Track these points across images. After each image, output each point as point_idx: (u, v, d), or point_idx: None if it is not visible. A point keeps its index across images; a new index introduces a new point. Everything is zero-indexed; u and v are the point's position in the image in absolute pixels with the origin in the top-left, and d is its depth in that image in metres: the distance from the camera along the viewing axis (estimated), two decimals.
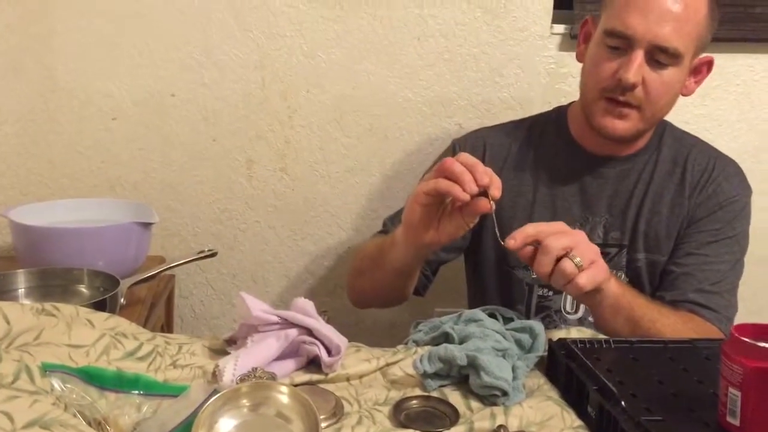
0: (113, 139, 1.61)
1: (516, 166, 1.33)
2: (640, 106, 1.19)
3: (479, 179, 0.99)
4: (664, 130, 1.33)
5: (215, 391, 0.81)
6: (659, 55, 1.16)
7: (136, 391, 0.83)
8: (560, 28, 1.62)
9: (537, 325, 1.01)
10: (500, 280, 1.33)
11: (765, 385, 0.75)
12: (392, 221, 1.34)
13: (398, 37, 1.60)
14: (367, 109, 1.64)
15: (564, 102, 1.58)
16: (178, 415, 0.79)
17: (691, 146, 1.33)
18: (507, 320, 1.03)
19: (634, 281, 1.26)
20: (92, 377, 0.82)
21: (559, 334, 1.03)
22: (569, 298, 1.28)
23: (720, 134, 1.67)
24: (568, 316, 1.29)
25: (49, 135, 1.60)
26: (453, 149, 1.37)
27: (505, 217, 1.27)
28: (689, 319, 1.18)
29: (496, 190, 1.00)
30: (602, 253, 1.17)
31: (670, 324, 1.12)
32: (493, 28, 1.61)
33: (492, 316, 1.04)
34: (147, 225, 1.39)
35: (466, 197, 0.99)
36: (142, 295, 1.33)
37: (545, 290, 1.29)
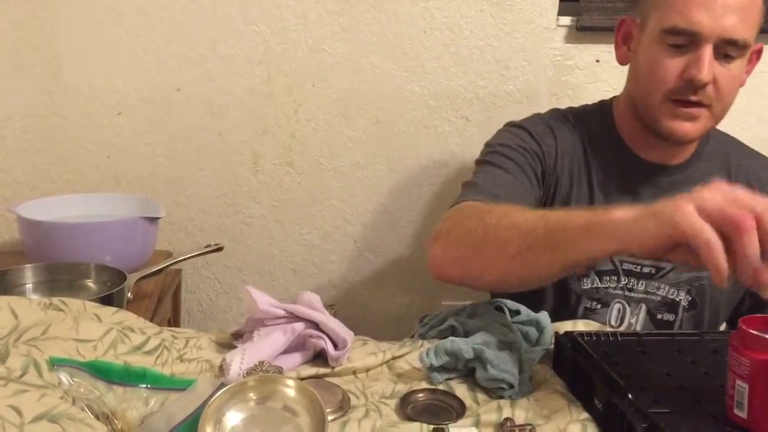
0: (119, 134, 1.62)
1: (573, 161, 1.23)
2: (711, 105, 1.12)
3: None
4: (708, 132, 1.23)
5: (222, 385, 0.81)
6: (728, 49, 1.09)
7: (144, 385, 0.84)
8: (566, 20, 1.61)
9: (544, 318, 1.01)
10: (554, 287, 1.24)
11: None
12: (494, 189, 1.14)
13: (404, 30, 1.60)
14: (373, 103, 1.63)
15: (570, 94, 1.58)
16: (185, 409, 0.79)
17: (734, 148, 1.28)
18: (513, 313, 1.03)
19: (698, 300, 1.21)
20: (100, 371, 0.83)
21: (565, 326, 1.03)
22: (614, 312, 1.21)
23: (728, 127, 1.64)
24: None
25: (55, 130, 1.60)
26: (527, 131, 1.24)
27: None
28: None
29: None
30: (656, 267, 1.20)
31: None
32: (498, 20, 1.60)
33: (498, 309, 1.04)
34: (153, 219, 1.39)
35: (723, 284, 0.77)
36: (149, 290, 1.34)
37: (593, 303, 1.22)
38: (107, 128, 1.61)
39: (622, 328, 1.21)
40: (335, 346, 0.93)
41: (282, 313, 0.94)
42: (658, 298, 1.21)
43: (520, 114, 1.50)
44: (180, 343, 0.95)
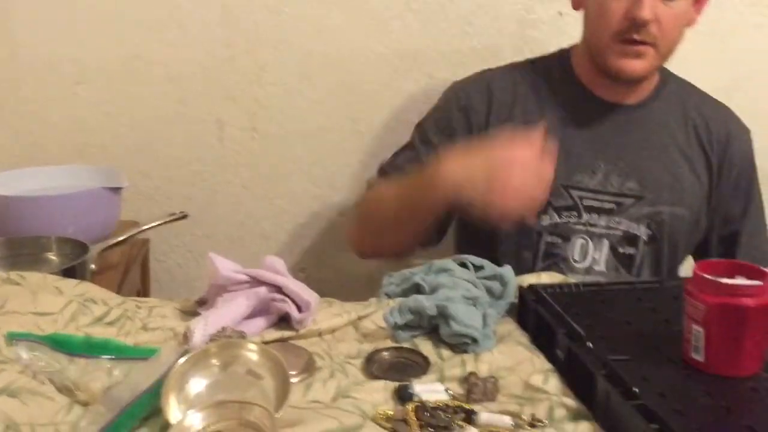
0: (79, 105, 1.59)
1: (525, 109, 1.29)
2: (655, 43, 1.18)
3: None
4: (667, 77, 1.32)
5: (186, 353, 0.81)
6: None
7: (107, 356, 0.83)
8: None
9: (507, 272, 1.01)
10: (510, 228, 1.27)
11: (726, 321, 0.76)
12: (394, 168, 1.29)
13: None
14: (336, 64, 1.61)
15: (534, 49, 1.57)
16: (149, 378, 0.78)
17: (696, 94, 1.34)
18: (477, 268, 1.03)
19: (657, 233, 1.26)
20: (60, 344, 0.82)
21: (529, 279, 1.04)
22: (578, 247, 1.26)
23: (690, 75, 1.65)
24: (575, 264, 1.27)
25: (12, 102, 1.57)
26: (456, 95, 1.32)
27: None
28: None
29: None
30: (617, 203, 1.26)
31: None
32: None
33: (462, 265, 1.04)
34: (116, 189, 1.37)
35: None
36: (115, 261, 1.33)
37: (555, 237, 1.27)
38: (66, 99, 1.58)
39: (586, 263, 1.26)
40: (299, 309, 0.93)
41: (244, 278, 0.94)
42: (620, 233, 1.26)
43: None
44: (143, 313, 0.94)
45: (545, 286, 0.98)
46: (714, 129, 1.30)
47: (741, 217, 1.33)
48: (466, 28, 1.61)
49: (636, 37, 1.17)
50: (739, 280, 0.78)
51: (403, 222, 1.21)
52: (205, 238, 1.70)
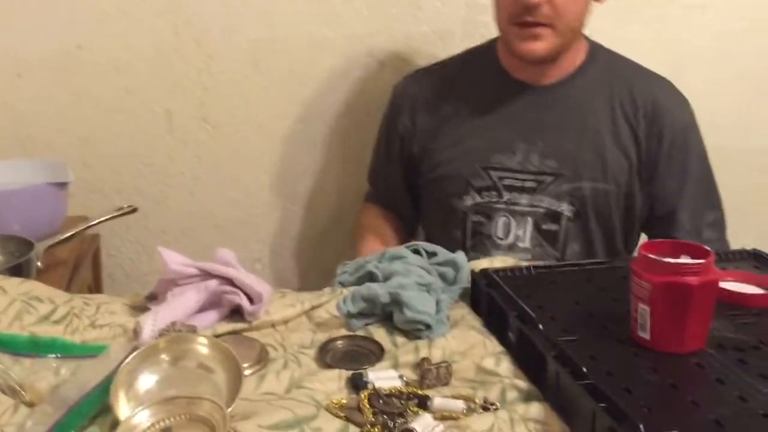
0: (20, 97, 1.54)
1: (439, 102, 1.34)
2: (552, 23, 1.20)
3: None
4: (595, 53, 1.34)
5: (135, 349, 0.79)
6: None
7: (53, 355, 0.81)
8: None
9: (460, 257, 1.02)
10: (439, 210, 1.36)
11: (671, 299, 0.78)
12: (378, 180, 1.48)
13: None
14: (285, 51, 1.59)
15: (484, 33, 1.57)
16: (97, 375, 0.77)
17: (627, 69, 1.34)
18: (430, 255, 1.04)
19: (580, 209, 1.28)
20: (4, 344, 0.80)
21: (482, 264, 1.04)
22: (501, 225, 1.30)
23: (636, 57, 1.67)
24: (499, 242, 1.30)
25: None
26: (391, 102, 1.43)
27: (436, 148, 1.33)
28: None
29: None
30: (537, 181, 1.28)
31: None
32: None
33: (416, 252, 1.04)
34: (62, 185, 1.34)
35: None
36: (64, 257, 1.30)
37: (479, 216, 1.30)
38: (6, 91, 1.53)
39: (509, 240, 1.29)
40: (251, 300, 0.92)
41: (194, 271, 0.93)
42: (542, 210, 1.28)
43: (436, 55, 1.50)
44: (91, 310, 0.92)
45: (497, 270, 0.98)
46: (640, 102, 1.30)
47: (677, 194, 1.31)
48: (416, 13, 1.61)
49: (529, 19, 1.19)
50: (683, 259, 0.80)
51: None
52: (158, 231, 1.67)
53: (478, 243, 1.31)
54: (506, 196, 1.29)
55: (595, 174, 1.28)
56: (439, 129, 1.35)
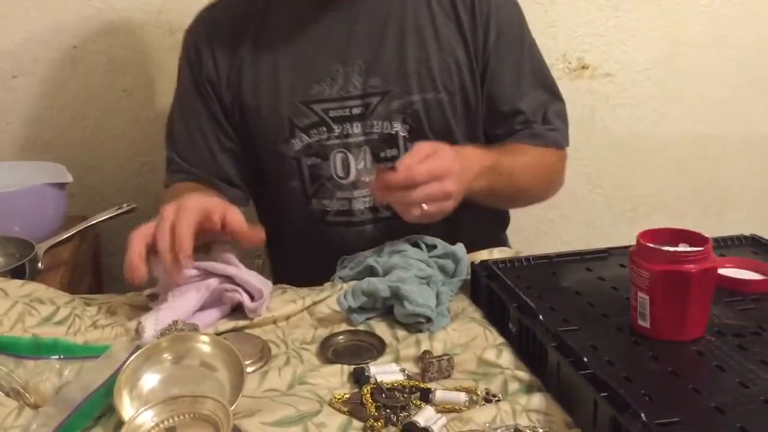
0: (17, 99, 1.54)
1: (238, 38, 1.19)
2: None
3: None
4: None
5: (138, 348, 0.80)
6: None
7: (56, 356, 0.81)
8: None
9: (459, 250, 1.02)
10: (268, 164, 1.22)
11: (670, 287, 0.78)
12: (177, 154, 1.25)
13: None
14: None
15: None
16: (101, 375, 0.77)
17: None
18: (430, 248, 1.04)
19: (415, 126, 1.16)
20: (7, 347, 0.80)
21: (481, 256, 1.04)
22: (338, 162, 1.17)
23: (634, 45, 1.68)
24: (340, 181, 1.18)
25: None
26: (187, 47, 1.24)
27: (246, 91, 1.18)
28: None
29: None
30: (364, 105, 1.15)
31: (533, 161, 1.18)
32: None
33: (415, 245, 1.04)
34: (61, 185, 1.34)
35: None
36: (65, 258, 1.30)
37: (313, 159, 1.18)
38: (3, 93, 1.54)
39: (351, 177, 1.17)
40: (252, 297, 0.93)
41: (194, 271, 0.93)
42: (376, 136, 1.16)
43: None
44: (92, 310, 0.93)
45: (497, 261, 0.99)
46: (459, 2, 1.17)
47: (515, 91, 1.20)
48: None
49: None
50: (682, 247, 0.80)
51: None
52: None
53: (320, 188, 1.19)
54: (337, 129, 1.15)
55: (423, 84, 1.16)
56: (244, 69, 1.18)
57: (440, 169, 0.94)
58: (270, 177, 1.24)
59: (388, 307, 0.93)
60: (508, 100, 1.21)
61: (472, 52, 1.18)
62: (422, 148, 0.96)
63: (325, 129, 1.16)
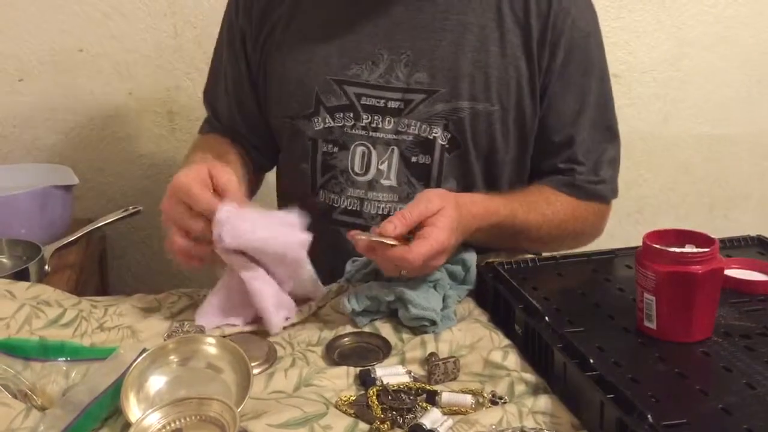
0: (23, 102, 1.55)
1: None
2: None
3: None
4: None
5: (144, 350, 0.80)
6: None
7: (63, 358, 0.82)
8: None
9: (469, 257, 1.00)
10: (283, 135, 1.13)
11: (676, 288, 0.78)
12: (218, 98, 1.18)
13: None
14: None
15: None
16: (107, 378, 0.77)
17: None
18: None
19: (458, 136, 1.05)
20: (14, 349, 0.80)
21: (488, 258, 1.04)
22: (358, 156, 1.07)
23: (639, 45, 1.68)
24: (356, 178, 1.08)
25: None
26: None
27: (277, 52, 1.09)
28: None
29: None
30: (404, 100, 1.04)
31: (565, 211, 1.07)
32: None
33: None
34: (67, 187, 1.35)
35: None
36: (71, 260, 1.30)
37: (330, 146, 1.07)
38: (9, 96, 1.54)
39: (370, 175, 1.07)
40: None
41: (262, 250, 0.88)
42: (410, 138, 1.05)
43: None
44: (99, 312, 0.93)
45: (502, 263, 0.98)
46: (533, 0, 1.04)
47: (572, 121, 1.08)
48: None
49: None
50: (688, 248, 0.80)
51: None
52: (162, 231, 1.67)
53: (330, 180, 1.08)
54: (365, 119, 1.05)
55: (476, 91, 1.04)
56: (280, 27, 1.08)
57: (435, 253, 0.87)
58: (283, 155, 1.16)
59: (393, 310, 0.93)
60: (563, 131, 1.08)
61: (536, 68, 1.05)
62: (422, 209, 0.88)
63: (352, 115, 1.05)
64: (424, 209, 0.89)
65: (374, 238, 0.86)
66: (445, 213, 0.89)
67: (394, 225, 0.86)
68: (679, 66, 1.68)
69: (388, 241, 0.87)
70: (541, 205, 1.06)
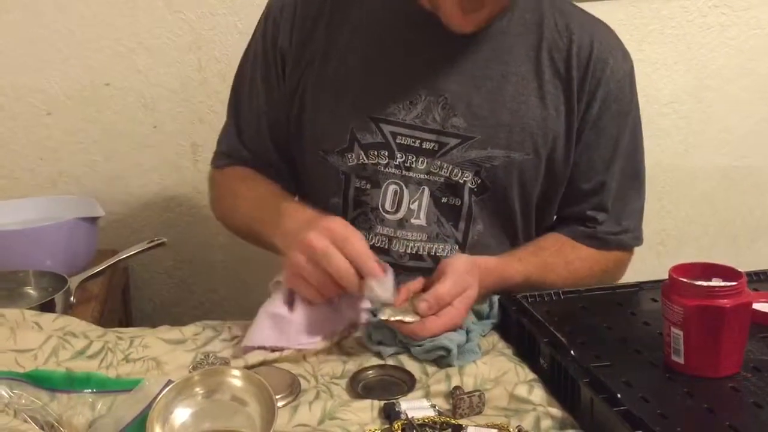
0: (50, 135, 1.58)
1: (321, 21, 1.08)
2: None
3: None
4: None
5: (169, 382, 0.80)
6: None
7: (89, 390, 0.82)
8: None
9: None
10: (315, 169, 1.11)
11: (704, 322, 0.77)
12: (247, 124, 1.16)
13: None
14: None
15: None
16: (133, 410, 0.78)
17: (563, 11, 1.08)
18: None
19: (489, 183, 1.06)
20: (41, 380, 0.81)
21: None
22: (390, 194, 1.06)
23: (659, 77, 1.69)
24: (386, 215, 1.07)
25: None
26: (267, 16, 1.13)
27: (314, 84, 1.08)
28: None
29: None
30: (439, 143, 1.05)
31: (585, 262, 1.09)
32: None
33: None
34: (93, 219, 1.37)
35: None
36: (95, 292, 1.32)
37: (362, 182, 1.07)
38: (37, 129, 1.57)
39: (401, 214, 1.06)
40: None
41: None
42: (442, 180, 1.06)
43: None
44: (125, 344, 0.93)
45: (526, 295, 0.98)
46: (575, 50, 1.05)
47: (602, 170, 1.09)
48: None
49: None
50: (715, 282, 0.79)
51: (257, 241, 1.14)
52: (185, 263, 1.69)
53: (360, 215, 1.08)
54: (399, 158, 1.05)
55: (512, 142, 1.04)
56: (319, 58, 1.07)
57: (447, 330, 0.90)
58: (308, 183, 1.14)
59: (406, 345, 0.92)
60: (594, 179, 1.09)
61: (574, 119, 1.06)
62: (459, 290, 0.91)
63: (386, 153, 1.05)
64: (457, 290, 0.91)
65: (392, 319, 0.89)
66: (468, 294, 0.92)
67: (429, 305, 0.89)
68: (700, 98, 1.68)
69: (406, 319, 0.89)
70: (559, 267, 1.08)
